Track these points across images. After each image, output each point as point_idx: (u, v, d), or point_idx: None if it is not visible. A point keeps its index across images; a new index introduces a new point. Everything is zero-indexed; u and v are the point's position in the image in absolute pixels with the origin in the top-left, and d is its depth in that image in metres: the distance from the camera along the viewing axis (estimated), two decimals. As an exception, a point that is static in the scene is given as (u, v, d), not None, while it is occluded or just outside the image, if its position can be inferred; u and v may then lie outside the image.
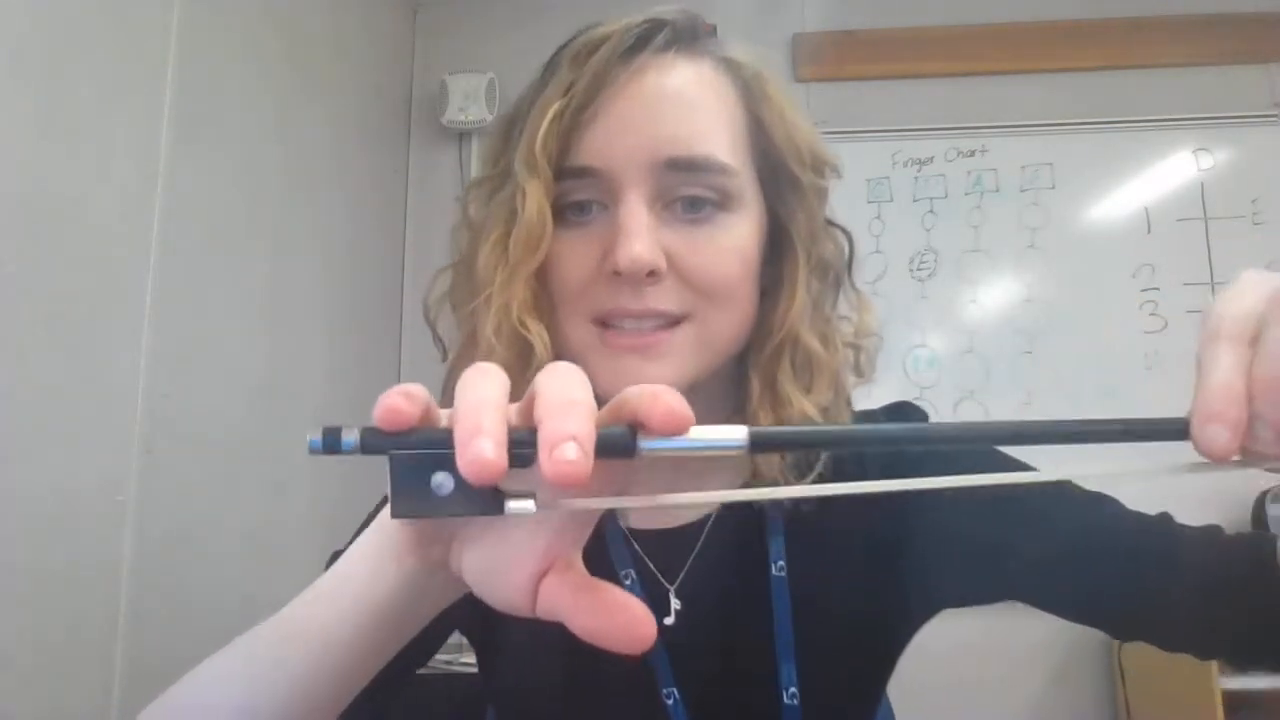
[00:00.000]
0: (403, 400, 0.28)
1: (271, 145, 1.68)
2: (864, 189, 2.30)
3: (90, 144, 1.19)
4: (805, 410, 0.55)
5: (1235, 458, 0.29)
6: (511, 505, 0.29)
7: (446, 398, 0.61)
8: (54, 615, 1.09)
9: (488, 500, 0.28)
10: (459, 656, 1.77)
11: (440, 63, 2.42)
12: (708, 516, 0.61)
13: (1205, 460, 0.29)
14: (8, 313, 1.04)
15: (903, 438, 0.31)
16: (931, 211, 2.28)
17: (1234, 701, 1.60)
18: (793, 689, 0.57)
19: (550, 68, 0.57)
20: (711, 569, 0.61)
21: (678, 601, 0.60)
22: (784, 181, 0.58)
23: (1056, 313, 2.19)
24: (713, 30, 0.61)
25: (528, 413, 0.29)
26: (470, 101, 2.33)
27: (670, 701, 0.58)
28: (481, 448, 0.26)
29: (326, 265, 1.93)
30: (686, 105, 0.55)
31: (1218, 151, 2.23)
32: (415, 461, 0.28)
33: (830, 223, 0.62)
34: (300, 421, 1.75)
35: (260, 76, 1.65)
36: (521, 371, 0.52)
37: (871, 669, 0.63)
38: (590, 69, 0.53)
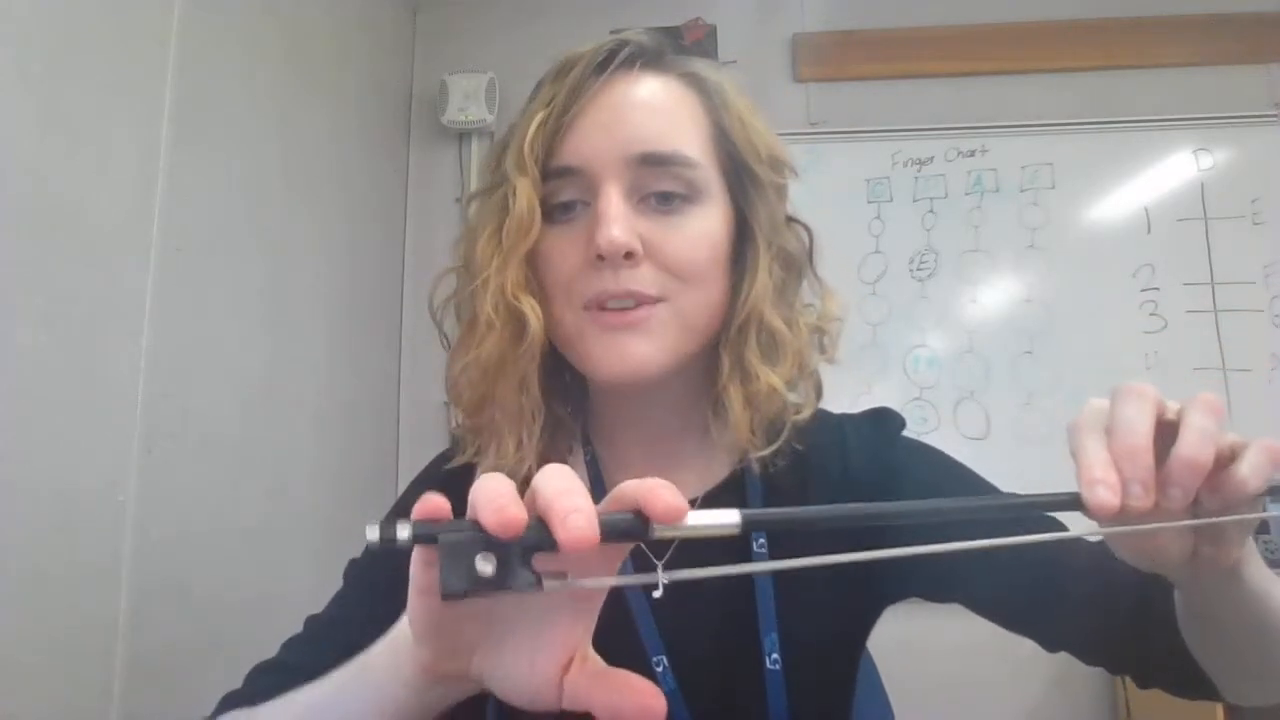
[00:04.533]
0: (434, 500, 0.33)
1: (271, 145, 1.68)
2: (864, 189, 2.30)
3: (90, 144, 1.19)
4: (770, 382, 0.62)
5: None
6: (549, 583, 0.33)
7: (450, 388, 0.64)
8: (54, 615, 1.09)
9: (526, 577, 0.32)
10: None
11: (440, 63, 2.42)
12: (694, 499, 0.66)
13: (1099, 527, 0.38)
14: (8, 313, 1.04)
15: (860, 516, 0.38)
16: (931, 211, 2.28)
17: (1235, 705, 1.59)
18: (775, 655, 0.63)
19: (536, 89, 0.64)
20: (698, 547, 0.65)
21: (665, 577, 0.64)
22: (746, 179, 0.65)
23: (1056, 313, 2.19)
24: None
25: (531, 509, 0.33)
26: (470, 101, 2.33)
27: (660, 668, 0.63)
28: (504, 505, 0.30)
29: (326, 265, 1.93)
30: (654, 109, 0.62)
31: (1218, 151, 2.23)
32: (459, 546, 0.32)
33: (791, 218, 0.69)
34: (300, 421, 1.76)
35: (260, 76, 1.65)
36: (516, 345, 0.60)
37: (846, 639, 0.69)
38: (568, 83, 0.61)
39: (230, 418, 1.51)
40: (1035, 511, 0.38)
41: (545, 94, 0.62)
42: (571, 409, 0.69)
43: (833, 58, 2.39)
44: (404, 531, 0.32)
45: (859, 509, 0.38)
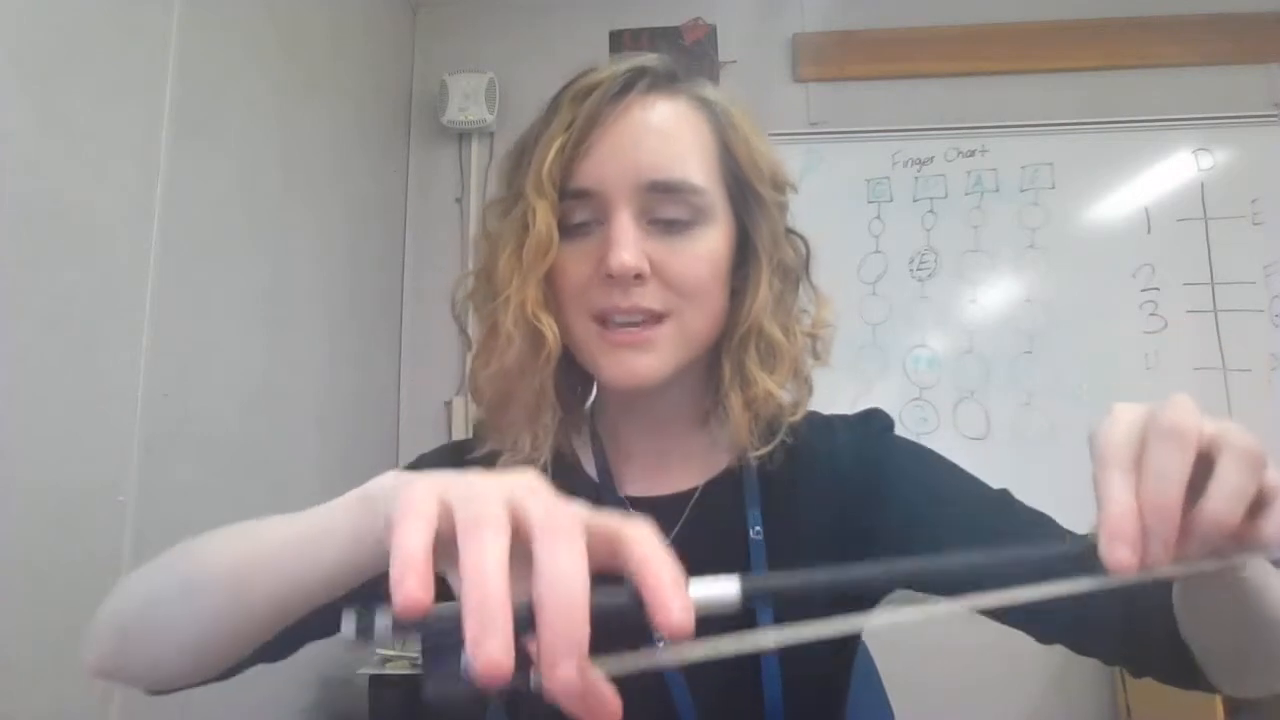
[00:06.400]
0: (418, 590, 0.29)
1: (272, 145, 1.68)
2: (864, 189, 2.30)
3: (90, 144, 1.19)
4: (768, 388, 0.67)
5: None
6: (535, 679, 0.30)
7: (473, 390, 0.69)
8: (54, 615, 1.09)
9: (515, 675, 0.29)
10: (459, 656, 1.77)
11: (440, 63, 2.42)
12: (693, 489, 0.71)
13: (1114, 575, 0.36)
14: (8, 313, 1.04)
15: (867, 578, 0.38)
16: (931, 211, 2.28)
17: (1234, 703, 1.60)
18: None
19: (553, 107, 0.67)
20: (697, 532, 0.69)
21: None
22: (749, 197, 0.69)
23: (1056, 313, 2.19)
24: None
25: (525, 535, 0.31)
26: (470, 101, 2.33)
27: (661, 644, 0.63)
28: (490, 652, 0.28)
29: (326, 265, 1.93)
30: (665, 137, 0.65)
31: (1218, 151, 2.23)
32: (443, 643, 0.30)
33: (790, 231, 0.73)
34: (300, 421, 1.76)
35: (260, 76, 1.65)
36: (535, 357, 0.64)
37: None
38: (586, 109, 0.64)
39: (230, 418, 1.51)
40: (1050, 564, 0.37)
41: (564, 117, 0.65)
42: (580, 396, 0.74)
43: (833, 58, 2.39)
44: (384, 622, 0.30)
45: (865, 570, 0.37)
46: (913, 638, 1.64)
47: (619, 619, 0.31)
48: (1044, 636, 0.64)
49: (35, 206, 1.09)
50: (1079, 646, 0.64)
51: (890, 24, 2.39)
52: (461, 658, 0.29)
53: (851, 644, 0.74)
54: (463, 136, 2.42)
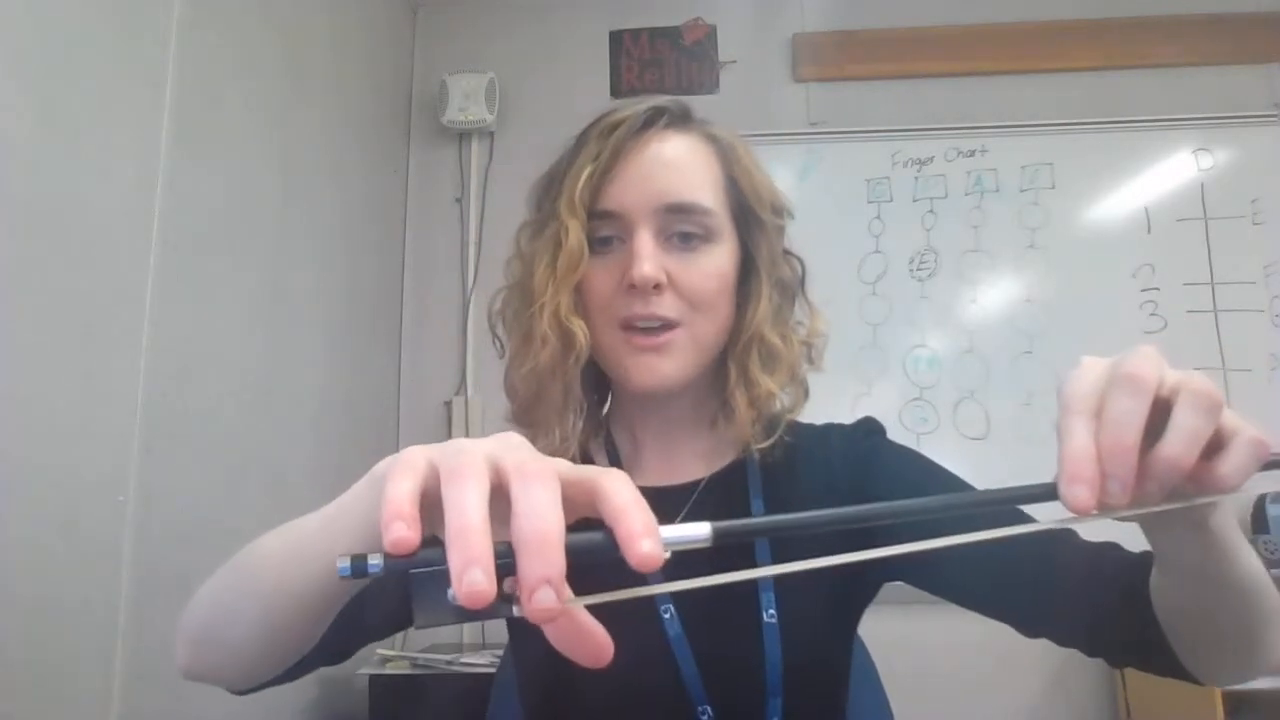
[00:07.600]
0: (405, 530, 0.32)
1: (271, 146, 1.68)
2: (864, 189, 2.30)
3: (90, 144, 1.19)
4: (769, 388, 0.75)
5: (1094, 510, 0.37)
6: (517, 610, 0.31)
7: (509, 390, 0.76)
8: (54, 615, 1.09)
9: (498, 605, 0.31)
10: (459, 657, 1.78)
11: (440, 63, 2.42)
12: (699, 480, 0.78)
13: (1073, 515, 0.37)
14: (8, 313, 1.04)
15: (835, 520, 0.38)
16: (931, 211, 2.28)
17: (1234, 702, 1.60)
18: (771, 610, 0.71)
19: (581, 141, 0.76)
20: (703, 517, 0.71)
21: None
22: (751, 221, 0.78)
23: (1056, 313, 2.20)
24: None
25: (505, 497, 0.33)
26: (470, 101, 2.33)
27: (667, 616, 0.72)
28: (474, 580, 0.30)
29: (326, 265, 1.93)
30: (679, 166, 0.75)
31: (1218, 151, 2.24)
32: (430, 579, 0.32)
33: (787, 251, 0.81)
34: (300, 422, 1.76)
35: (260, 77, 1.65)
36: (566, 357, 0.73)
37: (838, 601, 0.76)
38: (612, 143, 0.73)
39: (230, 418, 1.51)
40: (1011, 505, 0.38)
41: (592, 149, 0.74)
42: (597, 398, 0.82)
43: (833, 58, 2.39)
44: (375, 562, 0.32)
45: (834, 514, 0.38)
46: (912, 637, 1.64)
47: (594, 553, 0.32)
48: (1027, 629, 0.67)
49: (35, 206, 1.09)
50: (1060, 638, 0.66)
51: (890, 24, 2.39)
52: (448, 590, 0.31)
53: (849, 627, 0.78)
54: (463, 136, 2.42)
